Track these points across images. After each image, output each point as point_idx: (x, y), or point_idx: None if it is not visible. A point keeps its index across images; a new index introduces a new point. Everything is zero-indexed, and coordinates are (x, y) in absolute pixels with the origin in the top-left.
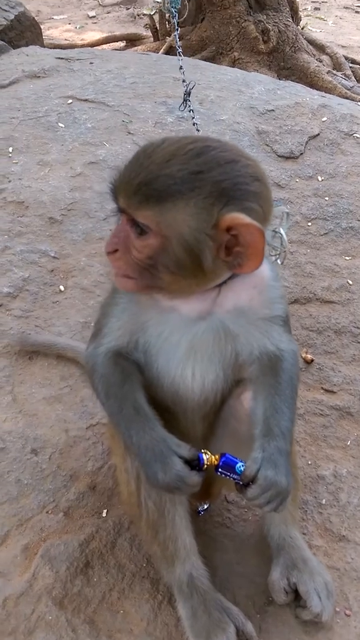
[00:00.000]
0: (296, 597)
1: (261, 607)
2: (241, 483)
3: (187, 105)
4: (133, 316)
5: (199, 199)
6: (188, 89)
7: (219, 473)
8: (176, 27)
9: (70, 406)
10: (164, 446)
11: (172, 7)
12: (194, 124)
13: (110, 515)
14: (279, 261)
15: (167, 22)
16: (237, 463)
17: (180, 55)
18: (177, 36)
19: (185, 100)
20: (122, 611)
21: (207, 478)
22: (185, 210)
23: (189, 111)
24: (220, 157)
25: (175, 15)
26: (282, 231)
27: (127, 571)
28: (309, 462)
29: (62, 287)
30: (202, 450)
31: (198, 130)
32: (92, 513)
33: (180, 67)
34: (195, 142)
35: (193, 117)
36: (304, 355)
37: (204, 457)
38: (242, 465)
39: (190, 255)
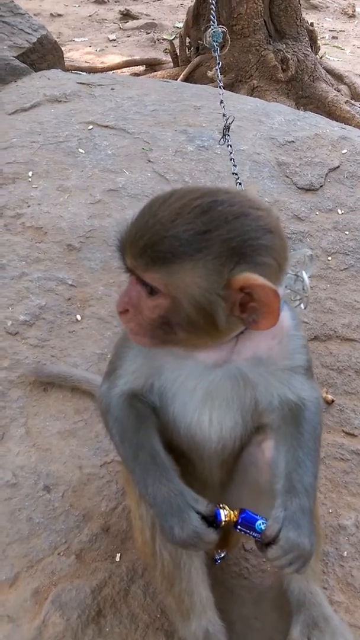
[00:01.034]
0: None
1: None
2: (262, 542)
3: (227, 140)
4: (148, 360)
5: (208, 260)
6: (228, 123)
7: (238, 530)
8: (218, 62)
9: (85, 441)
10: (181, 500)
11: (214, 41)
12: (231, 159)
13: (124, 560)
14: (302, 306)
15: (187, 48)
16: (257, 520)
17: (222, 89)
18: (219, 70)
19: (224, 134)
20: None
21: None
22: (194, 272)
23: (228, 146)
24: (228, 213)
25: (217, 50)
26: (304, 275)
27: (141, 622)
28: (330, 511)
29: (78, 317)
30: (220, 505)
31: (235, 165)
32: (105, 557)
33: (221, 102)
34: (202, 197)
35: (231, 152)
36: (324, 395)
37: (222, 513)
38: (263, 523)
39: (203, 315)
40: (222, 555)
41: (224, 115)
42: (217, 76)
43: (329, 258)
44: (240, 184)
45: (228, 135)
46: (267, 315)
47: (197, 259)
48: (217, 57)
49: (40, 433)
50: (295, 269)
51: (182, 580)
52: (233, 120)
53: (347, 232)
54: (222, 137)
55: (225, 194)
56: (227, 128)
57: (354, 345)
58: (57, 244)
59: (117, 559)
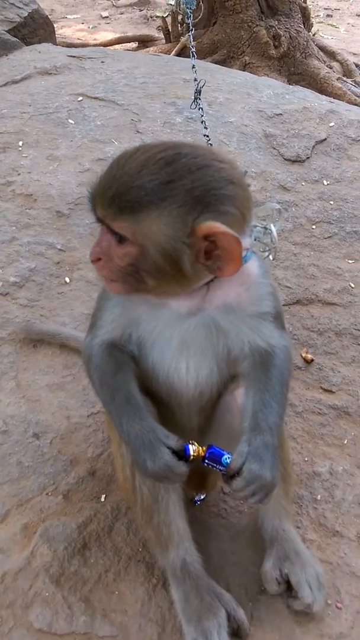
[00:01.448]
0: (288, 588)
1: (254, 596)
2: (227, 475)
3: (198, 104)
4: (126, 310)
5: (173, 209)
6: (199, 87)
7: (205, 464)
8: (190, 28)
9: (73, 394)
10: (152, 436)
11: (187, 7)
12: (202, 122)
13: (109, 500)
14: (270, 257)
15: (179, 25)
16: (223, 455)
17: (194, 55)
18: (191, 36)
19: (195, 98)
20: (117, 592)
21: (203, 469)
22: (160, 220)
23: (199, 109)
24: (192, 164)
25: (190, 16)
26: (272, 228)
27: (123, 554)
28: (306, 459)
29: (67, 279)
30: (190, 442)
31: (206, 127)
32: (90, 497)
33: (193, 66)
34: (166, 150)
35: (202, 115)
36: (304, 355)
37: (191, 448)
38: (228, 458)
39: (169, 262)
40: (202, 497)
41: (195, 79)
42: (190, 42)
43: (314, 227)
44: (211, 144)
45: (199, 99)
46: (230, 262)
47: (162, 208)
48: (190, 24)
49: (29, 386)
50: (264, 222)
51: (160, 513)
52: (204, 84)
53: (331, 202)
54: (194, 101)
55: (189, 147)
56: (198, 92)
57: (335, 309)
58: (47, 210)
59: (102, 499)
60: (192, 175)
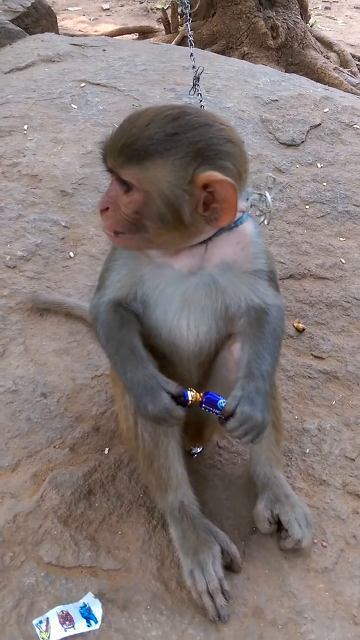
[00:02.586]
0: (278, 530)
1: (246, 535)
2: (222, 417)
3: (196, 90)
4: (131, 270)
5: (176, 158)
6: (197, 74)
7: (203, 408)
8: (188, 17)
9: (78, 358)
10: (154, 382)
11: None
12: (201, 107)
13: (112, 452)
14: (265, 222)
15: (179, 16)
16: (219, 400)
17: (192, 43)
18: (189, 24)
19: (194, 85)
20: (120, 532)
21: (200, 422)
22: (164, 167)
23: (197, 94)
24: (195, 121)
25: (188, 5)
26: (267, 195)
27: (126, 499)
28: (296, 417)
29: (71, 254)
30: (189, 388)
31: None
32: (95, 450)
33: (191, 54)
34: (173, 109)
35: (201, 101)
36: (296, 324)
37: (189, 393)
38: (224, 402)
39: (171, 209)
40: (199, 450)
41: (193, 67)
42: (188, 30)
43: (307, 207)
44: None
45: (198, 86)
46: (227, 211)
47: (167, 157)
48: (188, 13)
49: (37, 351)
50: (259, 190)
51: (160, 457)
52: (202, 70)
53: (324, 184)
54: (192, 87)
55: (194, 109)
56: (197, 78)
57: (326, 283)
58: (52, 189)
59: (106, 452)
60: (195, 130)
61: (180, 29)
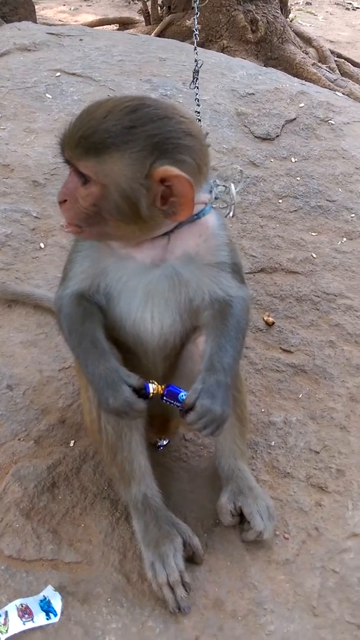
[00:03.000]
0: (241, 522)
1: (209, 528)
2: (183, 410)
3: (195, 83)
4: (94, 262)
5: (133, 152)
6: (197, 67)
7: (164, 400)
8: (196, 11)
9: (45, 350)
10: (115, 375)
11: None
12: (196, 99)
13: (77, 445)
14: (230, 214)
15: (159, 7)
16: (180, 393)
17: (197, 37)
18: (196, 20)
19: (194, 78)
20: (83, 525)
21: (165, 415)
22: (121, 161)
23: (195, 87)
24: (154, 114)
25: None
26: (232, 187)
27: (90, 492)
28: (263, 410)
29: (42, 245)
30: (150, 381)
31: (199, 104)
32: (60, 443)
33: (195, 48)
34: (132, 100)
35: (197, 94)
36: (265, 318)
37: (151, 386)
38: (184, 395)
39: (128, 203)
40: (165, 443)
41: (196, 60)
42: (194, 24)
43: (280, 201)
44: (200, 120)
45: (197, 79)
46: (184, 206)
47: (124, 150)
48: (197, 8)
49: (4, 343)
50: (226, 182)
51: (123, 450)
52: (202, 64)
53: (298, 178)
54: (193, 81)
55: (154, 100)
56: (196, 72)
57: (297, 277)
58: (23, 180)
59: (71, 444)
60: (153, 123)
61: (165, 19)
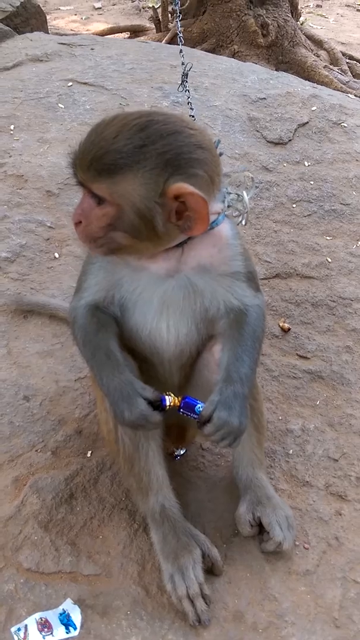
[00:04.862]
0: (260, 532)
1: (228, 538)
2: (200, 422)
3: (185, 87)
4: (108, 274)
5: (146, 171)
6: (186, 70)
7: (181, 412)
8: (178, 14)
9: (61, 360)
10: (130, 388)
11: None
12: (188, 103)
13: (94, 456)
14: (243, 222)
15: (169, 14)
16: (196, 404)
17: (181, 40)
18: (178, 21)
19: (183, 81)
20: (101, 536)
21: (182, 424)
22: (135, 181)
23: (186, 91)
24: (163, 130)
25: (178, 2)
26: (245, 195)
27: (107, 503)
28: (280, 418)
29: (56, 255)
30: (167, 393)
31: (192, 108)
32: (77, 453)
33: (180, 51)
34: (140, 117)
35: (189, 97)
36: (281, 324)
37: (167, 398)
38: (201, 406)
39: (144, 221)
40: (182, 452)
41: (182, 63)
42: (177, 26)
43: (294, 205)
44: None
45: (186, 82)
46: (199, 221)
47: (137, 170)
48: (178, 10)
49: (20, 353)
50: (238, 190)
51: (140, 460)
52: (191, 67)
53: (312, 182)
54: (181, 84)
55: (162, 115)
56: (185, 75)
57: (312, 282)
58: (37, 190)
59: (89, 455)
60: (163, 140)
61: (171, 26)
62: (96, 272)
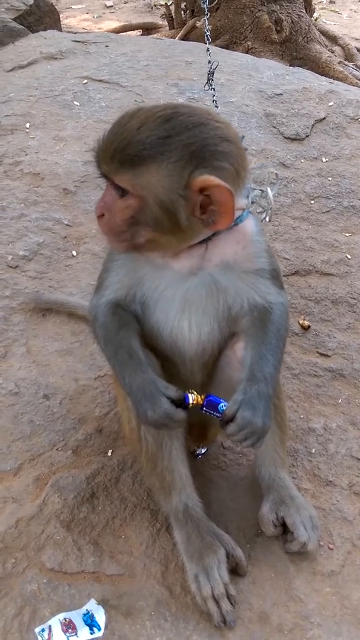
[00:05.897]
0: (284, 532)
1: (251, 538)
2: (223, 420)
3: (211, 85)
4: (130, 271)
5: (170, 162)
6: (212, 68)
7: (204, 411)
8: (206, 12)
9: (81, 359)
10: (153, 387)
11: None
12: (214, 101)
13: (115, 454)
14: (267, 219)
15: (182, 11)
16: (220, 403)
17: (209, 39)
18: (207, 20)
19: (209, 79)
20: (123, 536)
21: (203, 423)
22: (158, 172)
23: (212, 89)
24: (189, 122)
25: (206, 0)
26: (269, 191)
27: (129, 502)
28: (302, 417)
29: (74, 252)
30: (189, 391)
31: (217, 107)
32: (98, 452)
33: (208, 49)
34: (165, 109)
35: (214, 95)
36: (301, 322)
37: (190, 397)
38: (224, 405)
39: (167, 214)
40: (203, 451)
41: (209, 62)
42: (205, 25)
43: (312, 202)
44: None
45: (212, 80)
46: (224, 214)
47: (160, 161)
48: (206, 8)
49: (39, 352)
50: (262, 186)
51: (164, 459)
52: (217, 65)
53: (330, 178)
54: (207, 82)
55: (187, 107)
56: (211, 73)
57: (331, 279)
58: (54, 188)
59: (109, 454)
60: (188, 131)
61: (188, 23)
62: (117, 269)
